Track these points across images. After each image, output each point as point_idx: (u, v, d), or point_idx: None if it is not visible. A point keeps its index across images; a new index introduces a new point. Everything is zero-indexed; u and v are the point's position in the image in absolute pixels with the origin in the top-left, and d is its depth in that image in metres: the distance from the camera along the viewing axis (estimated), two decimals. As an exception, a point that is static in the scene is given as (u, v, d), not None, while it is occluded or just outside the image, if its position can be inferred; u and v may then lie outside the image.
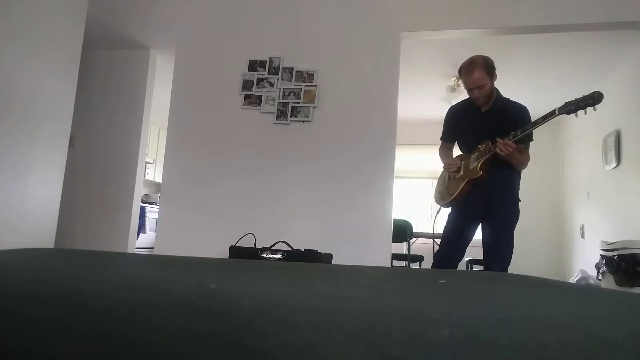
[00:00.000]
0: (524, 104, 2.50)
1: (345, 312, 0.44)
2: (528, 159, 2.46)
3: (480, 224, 2.51)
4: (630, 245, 3.49)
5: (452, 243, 2.52)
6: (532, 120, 2.38)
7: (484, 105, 2.50)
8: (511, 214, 2.43)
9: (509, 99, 2.53)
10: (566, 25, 3.24)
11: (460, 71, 2.50)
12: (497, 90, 2.51)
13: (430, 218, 6.39)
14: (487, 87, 2.41)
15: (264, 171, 3.46)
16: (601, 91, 2.10)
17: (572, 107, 2.16)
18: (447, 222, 2.57)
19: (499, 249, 2.40)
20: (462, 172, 2.51)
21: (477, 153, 2.45)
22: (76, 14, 3.40)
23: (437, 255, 2.56)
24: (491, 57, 2.48)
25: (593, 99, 2.10)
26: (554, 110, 2.20)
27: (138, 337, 0.40)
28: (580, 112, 2.16)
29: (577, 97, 2.16)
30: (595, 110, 2.13)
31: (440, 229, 2.77)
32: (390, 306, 0.48)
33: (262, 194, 3.44)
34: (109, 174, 4.37)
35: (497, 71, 2.47)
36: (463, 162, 2.54)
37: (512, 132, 2.30)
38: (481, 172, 2.38)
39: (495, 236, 2.42)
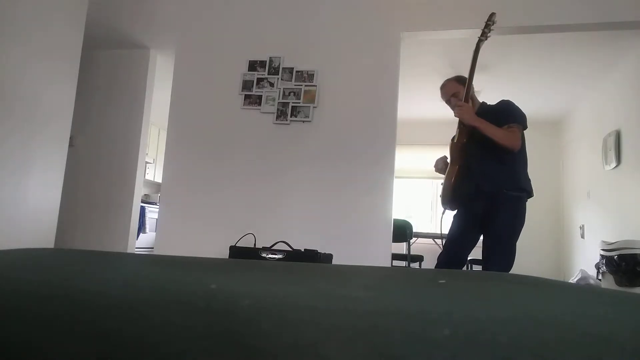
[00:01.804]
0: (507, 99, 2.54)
1: (346, 312, 0.44)
2: (513, 137, 2.30)
3: (482, 225, 2.45)
4: (630, 245, 3.49)
5: (454, 245, 2.51)
6: (517, 110, 2.40)
7: None
8: (511, 223, 2.33)
9: (492, 104, 2.57)
10: (566, 25, 3.24)
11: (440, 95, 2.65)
12: (479, 101, 2.61)
13: (430, 218, 6.39)
14: (461, 95, 2.50)
15: (264, 171, 3.47)
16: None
17: (482, 34, 2.42)
18: (450, 227, 2.56)
19: (497, 259, 2.31)
20: (450, 163, 2.56)
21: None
22: (76, 15, 3.40)
23: (440, 256, 2.54)
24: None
25: (489, 19, 2.43)
26: (477, 46, 2.43)
27: (138, 336, 0.40)
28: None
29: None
30: (493, 23, 2.41)
31: (445, 231, 2.78)
32: (390, 306, 0.48)
33: (262, 194, 3.44)
34: (109, 174, 4.37)
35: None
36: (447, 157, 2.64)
37: (463, 94, 2.46)
38: (456, 140, 2.46)
39: (495, 246, 2.33)
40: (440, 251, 2.58)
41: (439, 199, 2.74)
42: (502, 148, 2.30)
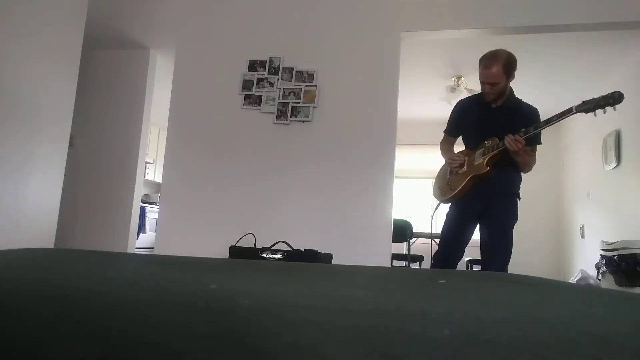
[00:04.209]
0: (535, 106, 2.45)
1: (345, 311, 0.44)
2: (534, 161, 2.42)
3: (479, 224, 2.50)
4: (630, 245, 3.49)
5: (450, 244, 2.51)
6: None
7: (495, 102, 2.45)
8: (510, 214, 2.42)
9: (521, 99, 2.48)
10: (566, 25, 3.24)
11: (480, 61, 2.41)
12: (511, 88, 2.46)
13: (430, 218, 6.36)
14: (500, 86, 2.35)
15: (264, 171, 3.46)
16: (622, 92, 2.04)
17: (590, 106, 2.10)
18: (445, 223, 2.56)
19: (498, 249, 2.39)
20: (465, 168, 2.48)
21: (483, 149, 2.42)
22: (76, 15, 3.40)
23: (435, 255, 2.55)
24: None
25: (613, 99, 2.05)
26: (571, 108, 2.14)
27: (138, 336, 0.40)
28: (598, 112, 2.10)
29: (596, 97, 2.11)
30: (615, 110, 2.08)
31: (438, 226, 2.77)
32: (390, 306, 0.48)
33: (262, 193, 3.44)
34: (109, 174, 4.37)
35: None
36: (467, 157, 2.50)
37: (524, 129, 2.26)
38: (487, 168, 2.35)
39: (494, 237, 2.40)
40: (436, 250, 2.58)
41: (433, 191, 2.72)
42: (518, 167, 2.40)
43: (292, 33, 3.63)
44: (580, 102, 2.14)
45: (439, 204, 2.70)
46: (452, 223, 2.52)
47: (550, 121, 2.22)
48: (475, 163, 2.42)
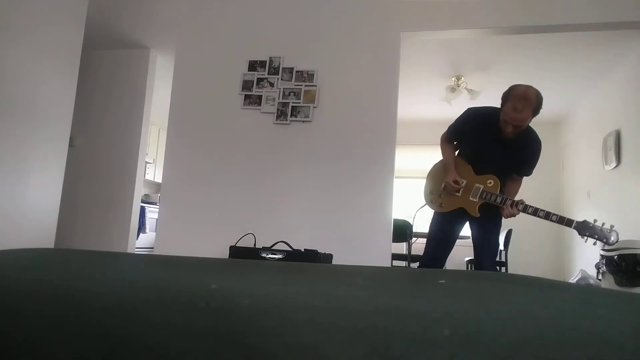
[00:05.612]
0: (540, 138, 2.45)
1: (345, 311, 0.44)
2: (520, 185, 2.58)
3: (468, 223, 2.57)
4: (630, 245, 3.49)
5: (439, 244, 2.57)
6: (537, 161, 2.48)
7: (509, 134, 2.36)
8: (498, 215, 2.51)
9: (528, 126, 2.39)
10: (566, 25, 3.24)
11: (506, 96, 2.30)
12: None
13: (430, 218, 6.35)
14: (522, 127, 2.29)
15: (264, 171, 3.47)
16: (618, 234, 2.21)
17: (586, 232, 2.26)
18: (434, 221, 2.61)
19: (490, 248, 2.53)
20: (460, 194, 2.47)
21: (482, 189, 2.42)
22: (76, 16, 3.41)
23: (424, 256, 2.60)
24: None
25: (606, 240, 2.22)
26: (571, 222, 2.28)
27: (138, 336, 0.40)
28: (590, 239, 2.29)
29: (597, 225, 2.24)
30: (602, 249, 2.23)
31: (419, 223, 2.82)
32: (390, 306, 0.48)
33: (262, 193, 3.44)
34: (109, 174, 4.37)
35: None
36: (466, 180, 2.47)
37: (523, 205, 2.34)
38: (479, 215, 2.45)
39: (486, 237, 2.51)
40: (424, 251, 2.61)
41: (424, 191, 2.71)
42: None
43: (292, 33, 3.63)
44: (583, 220, 2.28)
45: (424, 205, 2.74)
46: (441, 221, 2.58)
47: (548, 216, 2.32)
48: (470, 198, 2.45)
